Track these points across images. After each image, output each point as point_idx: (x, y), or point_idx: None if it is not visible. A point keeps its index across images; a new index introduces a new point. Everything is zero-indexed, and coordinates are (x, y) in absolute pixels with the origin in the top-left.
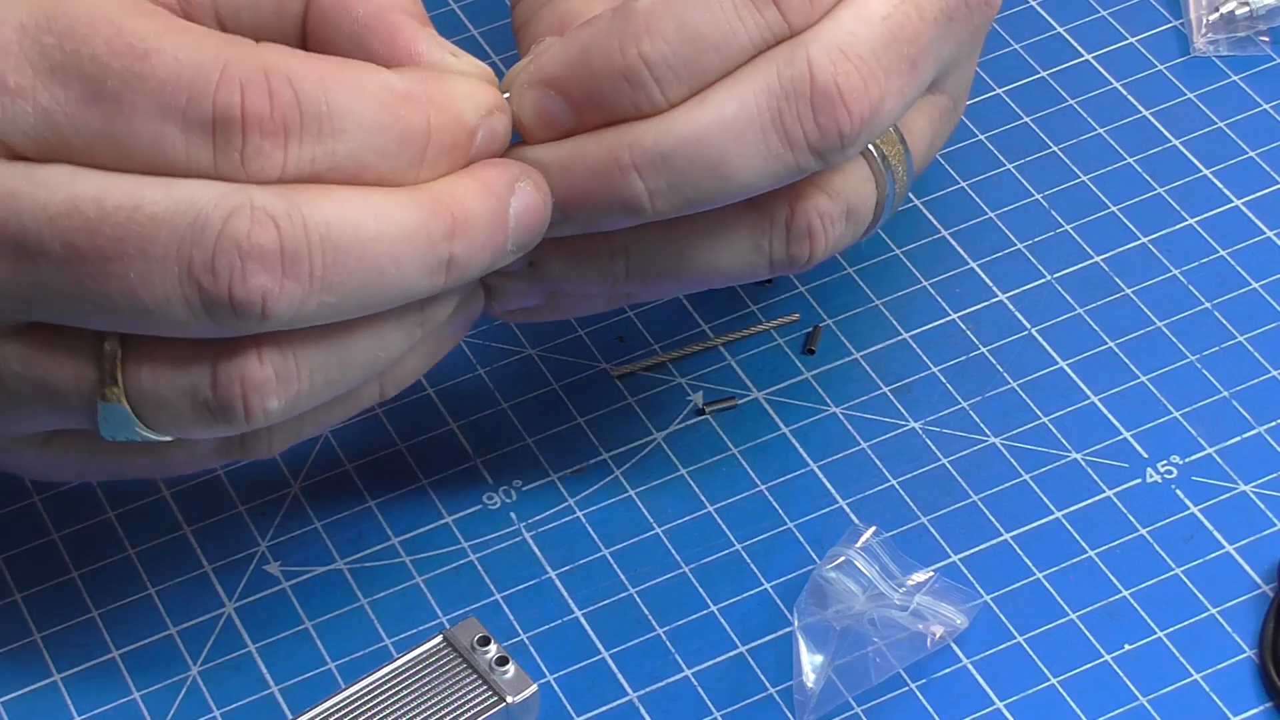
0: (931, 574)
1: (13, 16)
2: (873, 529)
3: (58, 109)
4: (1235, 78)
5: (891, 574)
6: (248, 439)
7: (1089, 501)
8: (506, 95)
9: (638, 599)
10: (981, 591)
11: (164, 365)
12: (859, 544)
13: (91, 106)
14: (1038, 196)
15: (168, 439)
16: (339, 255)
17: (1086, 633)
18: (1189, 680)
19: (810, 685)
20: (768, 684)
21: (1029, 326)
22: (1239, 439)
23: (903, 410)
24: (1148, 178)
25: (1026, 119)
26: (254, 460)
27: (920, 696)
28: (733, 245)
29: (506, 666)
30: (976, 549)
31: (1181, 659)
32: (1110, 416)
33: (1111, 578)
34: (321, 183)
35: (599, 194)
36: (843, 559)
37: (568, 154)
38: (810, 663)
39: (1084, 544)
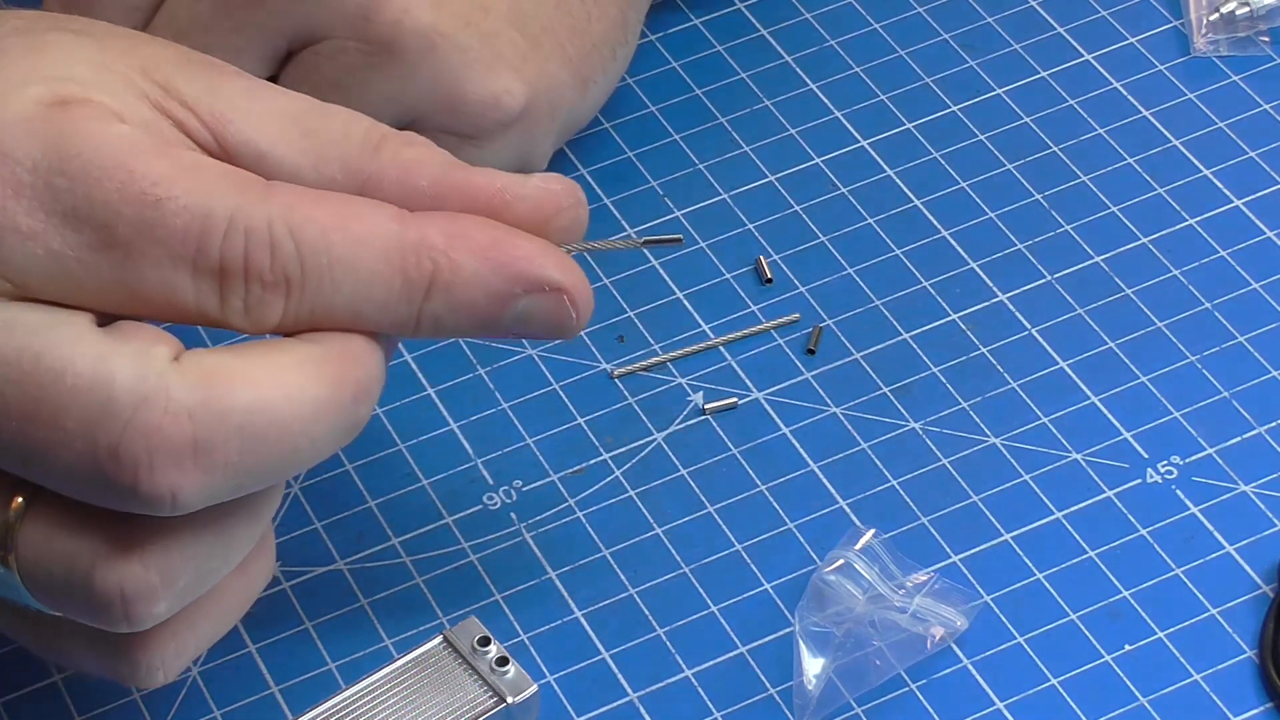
0: (931, 575)
1: (25, 155)
2: (872, 531)
3: (69, 253)
4: (1235, 78)
5: (891, 575)
6: (124, 661)
7: (1089, 502)
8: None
9: (638, 599)
10: (981, 592)
11: (58, 537)
12: (858, 546)
13: (103, 252)
14: (1038, 196)
15: (56, 614)
16: (256, 442)
17: (1086, 633)
18: (1189, 680)
19: (811, 688)
20: (768, 684)
21: (1029, 326)
22: (1239, 439)
23: (903, 410)
24: (1148, 178)
25: (1026, 119)
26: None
27: (920, 696)
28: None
29: (507, 667)
30: (976, 549)
31: (1181, 659)
32: (1110, 416)
33: (1111, 578)
34: (319, 329)
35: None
36: (842, 561)
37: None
38: (811, 666)
39: (1084, 544)
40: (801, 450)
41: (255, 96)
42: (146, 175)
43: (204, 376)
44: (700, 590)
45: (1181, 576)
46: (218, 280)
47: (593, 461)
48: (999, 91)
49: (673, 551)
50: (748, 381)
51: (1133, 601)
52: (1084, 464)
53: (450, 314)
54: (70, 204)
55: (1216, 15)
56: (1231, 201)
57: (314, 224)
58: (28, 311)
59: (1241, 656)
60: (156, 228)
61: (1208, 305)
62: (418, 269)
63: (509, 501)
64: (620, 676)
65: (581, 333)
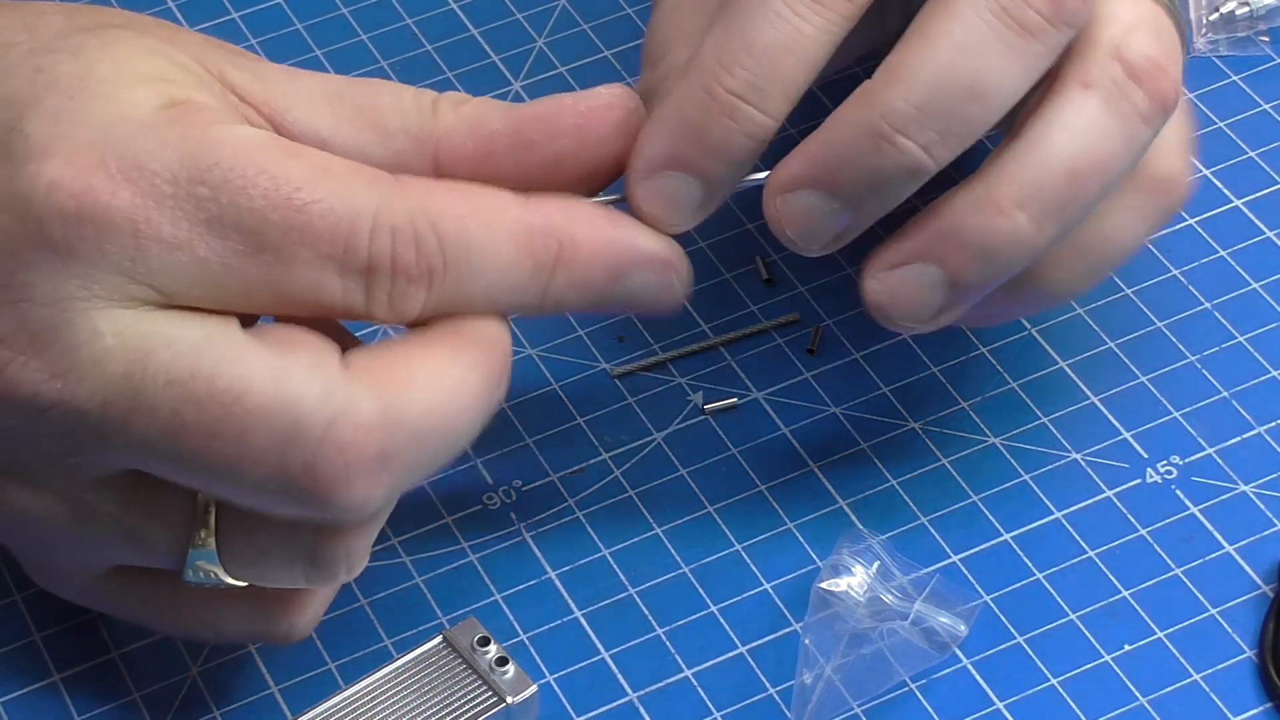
0: (932, 574)
1: (162, 167)
2: (870, 534)
3: (215, 260)
4: (1235, 78)
5: (891, 577)
6: (275, 623)
7: (1089, 502)
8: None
9: (638, 599)
10: (981, 592)
11: (260, 527)
12: (857, 550)
13: (251, 258)
14: None
15: (243, 584)
16: (429, 442)
17: (1086, 633)
18: (1189, 680)
19: (813, 698)
20: (768, 684)
21: (1029, 327)
22: (1239, 439)
23: (903, 410)
24: None
25: None
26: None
27: (920, 697)
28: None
29: (506, 667)
30: (976, 549)
31: (1181, 659)
32: (1110, 416)
33: (1111, 578)
34: (454, 315)
35: (874, 173)
36: (842, 567)
37: (824, 154)
38: (812, 673)
39: (1084, 544)
40: (801, 450)
41: (294, 80)
42: (289, 180)
43: (380, 385)
44: (700, 590)
45: (1181, 576)
46: (364, 277)
47: (592, 461)
48: None
49: (673, 551)
50: (748, 381)
51: (1132, 601)
52: (1084, 464)
53: (571, 291)
54: (215, 212)
55: (1216, 15)
56: (1231, 201)
57: (451, 215)
58: (181, 325)
59: (1241, 656)
60: (304, 231)
61: (1207, 305)
62: (544, 250)
63: (509, 501)
64: (620, 676)
65: (581, 333)
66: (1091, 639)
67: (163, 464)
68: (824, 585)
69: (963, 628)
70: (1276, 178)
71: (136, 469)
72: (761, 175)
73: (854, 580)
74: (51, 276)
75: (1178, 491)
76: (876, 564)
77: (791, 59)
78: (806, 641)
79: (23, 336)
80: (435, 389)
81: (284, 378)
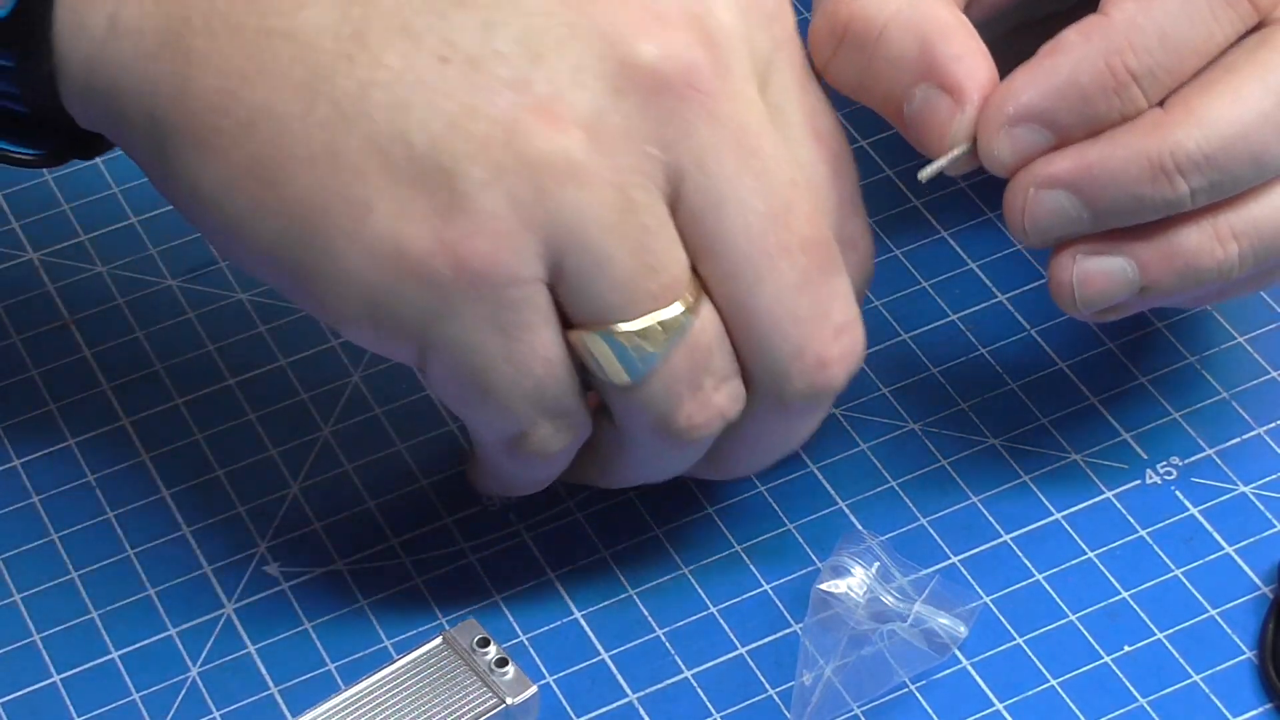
0: (931, 575)
1: None
2: (870, 534)
3: None
4: None
5: (891, 578)
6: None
7: (1088, 503)
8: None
9: (637, 599)
10: (981, 593)
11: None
12: (857, 551)
13: None
14: None
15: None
16: None
17: (1086, 634)
18: (1189, 681)
19: (813, 699)
20: (767, 684)
21: (1029, 327)
22: (1239, 440)
23: (902, 411)
24: None
25: None
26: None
27: (919, 697)
28: None
29: (506, 668)
30: (976, 550)
31: (1181, 660)
32: (1110, 417)
33: (1111, 579)
34: None
35: (1138, 201)
36: (841, 568)
37: (1098, 168)
38: (812, 674)
39: (1083, 545)
40: (801, 450)
41: None
42: None
43: None
44: (700, 590)
45: (1181, 577)
46: None
47: None
48: None
49: (672, 552)
50: None
51: (1132, 602)
52: (1083, 464)
53: None
54: None
55: None
56: None
57: None
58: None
59: (1241, 657)
60: None
61: (1208, 305)
62: None
63: (509, 501)
64: (620, 677)
65: None
66: (1091, 640)
67: None
68: (824, 586)
69: (963, 629)
70: None
71: None
72: (959, 150)
73: (854, 581)
74: None
75: (1177, 492)
76: (876, 565)
77: (1194, 59)
78: (806, 642)
79: None
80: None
81: None
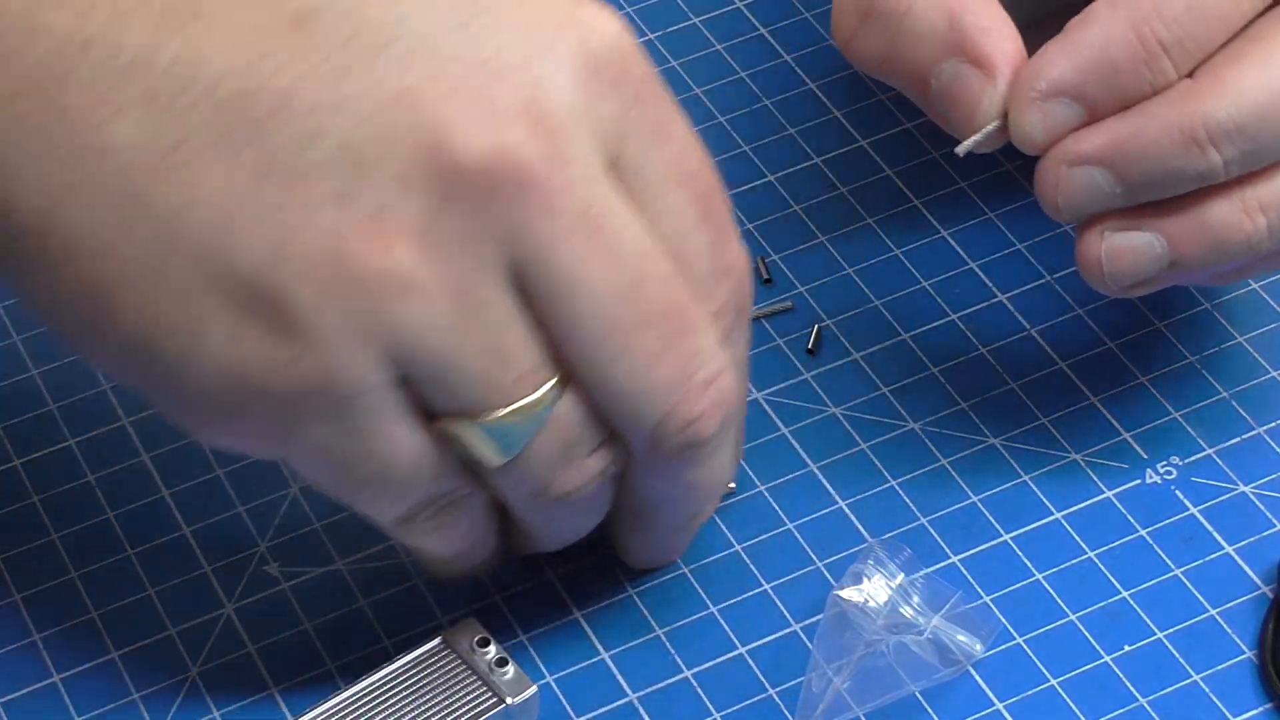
0: (955, 593)
1: None
2: (900, 547)
3: None
4: None
5: (912, 592)
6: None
7: (1088, 502)
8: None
9: (637, 599)
10: (981, 592)
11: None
12: (881, 560)
13: None
14: None
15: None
16: None
17: (1086, 634)
18: (1189, 681)
19: (820, 706)
20: (767, 685)
21: (1029, 327)
22: (1239, 439)
23: (902, 410)
24: None
25: None
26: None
27: (920, 698)
28: None
29: (506, 667)
30: (976, 550)
31: (1181, 660)
32: (1110, 417)
33: (1111, 578)
34: None
35: (1171, 174)
36: (863, 576)
37: (1130, 142)
38: (820, 682)
39: (1083, 545)
40: (801, 450)
41: None
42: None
43: None
44: (700, 591)
45: (1181, 577)
46: None
47: None
48: None
49: None
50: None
51: (1132, 602)
52: (1083, 464)
53: None
54: None
55: None
56: None
57: None
58: None
59: (1241, 657)
60: None
61: (1207, 305)
62: None
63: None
64: (620, 677)
65: None
66: (1091, 640)
67: None
68: (842, 593)
69: (979, 647)
70: None
71: None
72: (992, 126)
73: (874, 591)
74: None
75: (1177, 492)
76: (900, 577)
77: (1222, 29)
78: (816, 648)
79: None
80: None
81: None
